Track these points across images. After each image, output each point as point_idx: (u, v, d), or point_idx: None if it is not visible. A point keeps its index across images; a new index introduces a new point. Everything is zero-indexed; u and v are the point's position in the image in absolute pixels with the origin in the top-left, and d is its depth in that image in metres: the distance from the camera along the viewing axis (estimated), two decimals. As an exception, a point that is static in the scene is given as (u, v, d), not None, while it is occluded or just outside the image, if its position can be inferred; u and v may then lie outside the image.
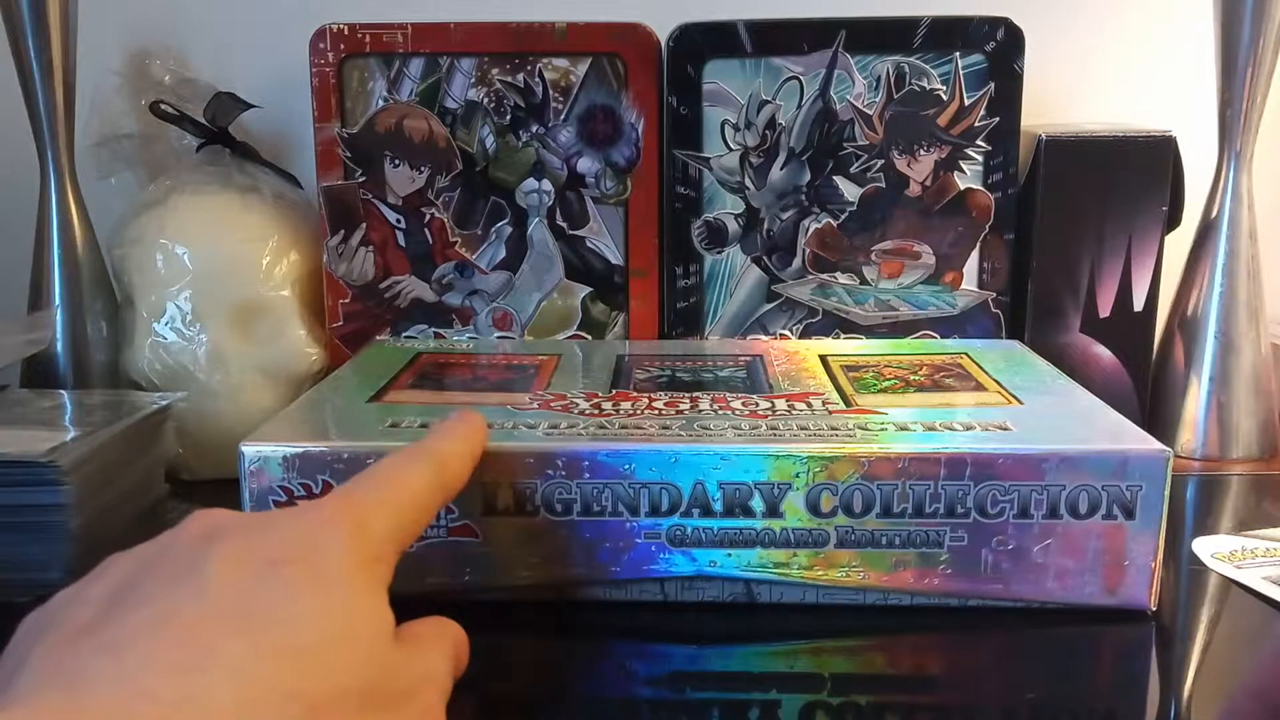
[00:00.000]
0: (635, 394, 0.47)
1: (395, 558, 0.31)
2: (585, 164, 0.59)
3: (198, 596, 0.25)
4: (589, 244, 0.60)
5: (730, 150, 0.59)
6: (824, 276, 0.60)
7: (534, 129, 0.59)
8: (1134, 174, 0.58)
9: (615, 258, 0.60)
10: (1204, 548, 0.47)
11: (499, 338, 0.61)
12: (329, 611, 0.27)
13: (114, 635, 0.24)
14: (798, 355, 0.55)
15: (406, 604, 0.33)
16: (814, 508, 0.40)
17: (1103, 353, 0.60)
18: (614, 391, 0.48)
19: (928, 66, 0.58)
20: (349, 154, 0.59)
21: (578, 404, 0.45)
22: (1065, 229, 0.59)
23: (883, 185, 0.59)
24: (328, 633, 0.26)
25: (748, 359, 0.54)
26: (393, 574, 0.31)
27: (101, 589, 0.27)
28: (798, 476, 0.40)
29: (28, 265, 0.59)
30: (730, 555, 0.40)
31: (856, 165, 0.59)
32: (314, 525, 0.29)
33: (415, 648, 0.31)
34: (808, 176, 0.59)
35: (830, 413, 0.44)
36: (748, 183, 0.59)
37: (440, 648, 0.32)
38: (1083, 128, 0.59)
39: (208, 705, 0.23)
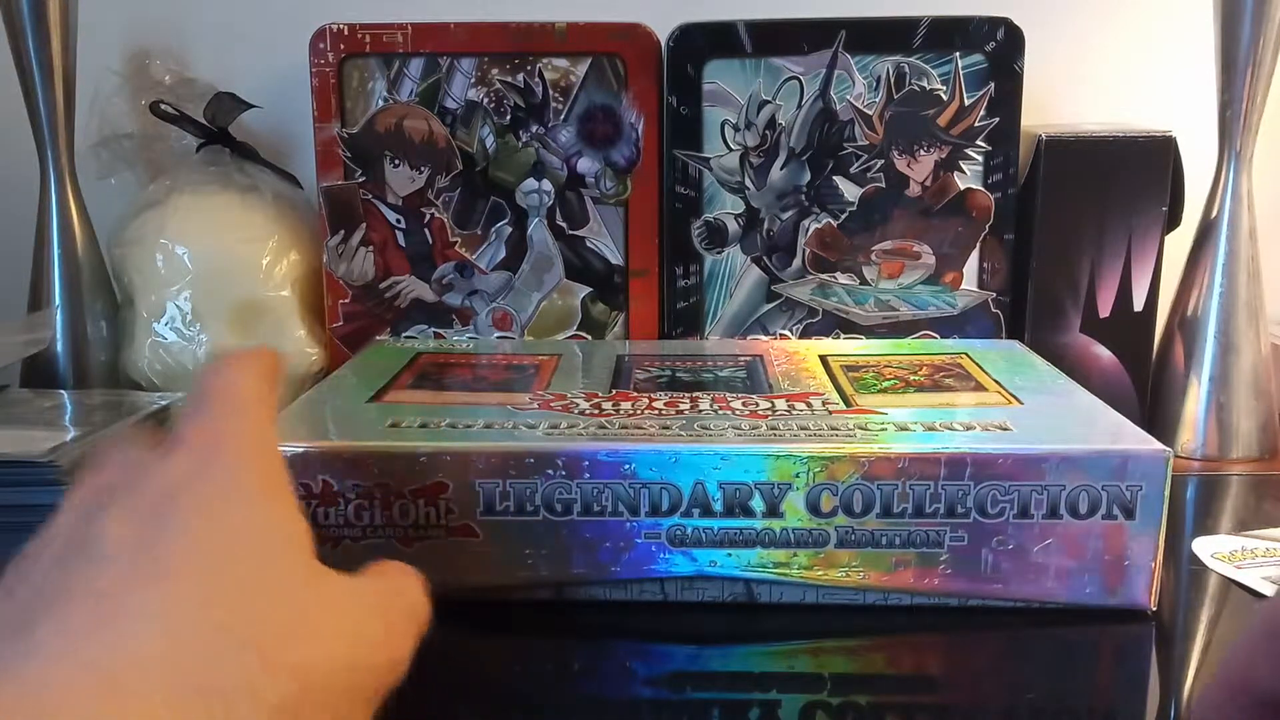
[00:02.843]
0: (635, 394, 0.47)
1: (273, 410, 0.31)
2: (585, 164, 0.59)
3: (98, 559, 0.25)
4: (589, 244, 0.60)
5: (730, 150, 0.59)
6: (824, 276, 0.60)
7: (534, 129, 0.59)
8: (1134, 174, 0.58)
9: (615, 258, 0.60)
10: (1204, 548, 0.47)
11: (499, 338, 0.61)
12: (236, 528, 0.26)
13: (24, 619, 0.24)
14: (798, 355, 0.55)
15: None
16: (814, 508, 0.40)
17: (1103, 353, 0.60)
18: (614, 391, 0.48)
19: (928, 67, 0.58)
20: (349, 154, 0.59)
21: (578, 404, 0.45)
22: (1065, 229, 0.59)
23: (883, 185, 0.59)
24: (240, 550, 0.26)
25: (748, 359, 0.54)
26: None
27: (13, 582, 0.26)
28: (798, 476, 0.40)
29: (28, 265, 0.59)
30: (730, 555, 0.40)
31: (856, 165, 0.59)
32: (192, 449, 0.28)
33: (363, 574, 0.29)
34: (808, 176, 0.59)
35: (830, 413, 0.44)
36: (748, 183, 0.59)
37: (394, 581, 0.30)
38: (1083, 128, 0.59)
39: (132, 654, 0.22)
